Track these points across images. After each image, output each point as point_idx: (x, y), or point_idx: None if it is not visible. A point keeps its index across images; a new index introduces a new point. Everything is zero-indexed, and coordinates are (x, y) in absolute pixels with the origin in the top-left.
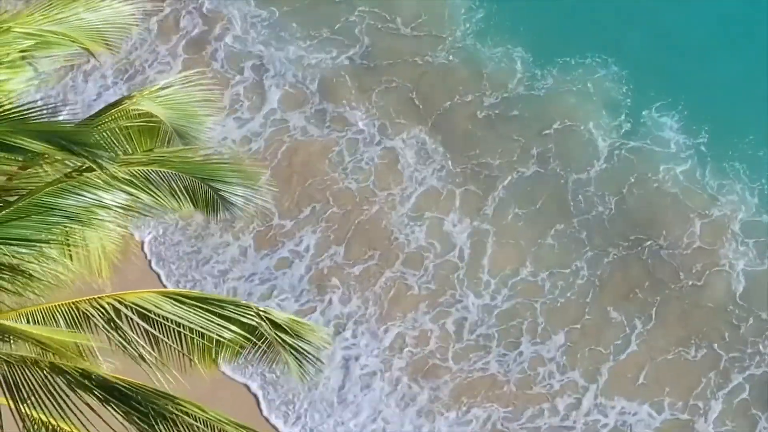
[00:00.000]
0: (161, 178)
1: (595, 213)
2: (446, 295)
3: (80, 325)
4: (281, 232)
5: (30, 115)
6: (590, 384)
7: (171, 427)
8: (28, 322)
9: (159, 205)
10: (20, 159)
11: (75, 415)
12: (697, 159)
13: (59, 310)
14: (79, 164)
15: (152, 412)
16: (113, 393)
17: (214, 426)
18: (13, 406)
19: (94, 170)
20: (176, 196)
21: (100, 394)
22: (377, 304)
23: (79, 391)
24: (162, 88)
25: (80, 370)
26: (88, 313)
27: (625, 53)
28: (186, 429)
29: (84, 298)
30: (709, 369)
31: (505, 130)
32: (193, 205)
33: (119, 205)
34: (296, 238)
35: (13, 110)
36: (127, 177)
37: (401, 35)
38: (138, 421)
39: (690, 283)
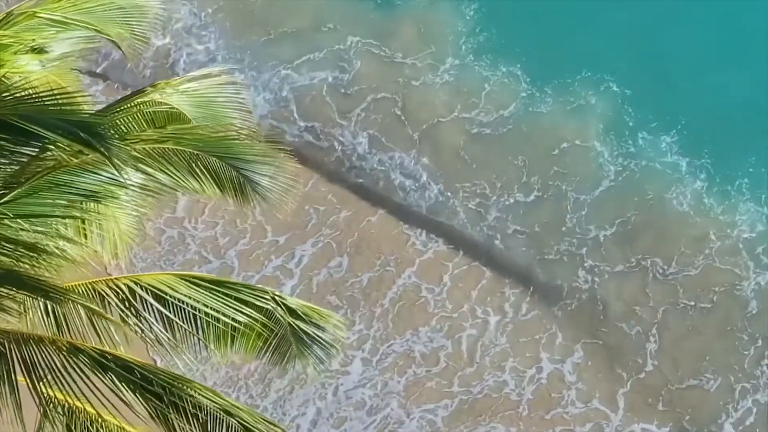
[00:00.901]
0: (179, 158)
1: (596, 234)
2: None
3: (96, 305)
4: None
5: (48, 101)
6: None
7: (186, 410)
8: (45, 302)
9: (178, 186)
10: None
11: (92, 393)
12: (699, 178)
13: (76, 290)
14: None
15: (167, 394)
16: (131, 373)
17: (228, 411)
18: (30, 384)
19: None
20: (197, 177)
21: (117, 373)
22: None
23: (96, 370)
24: (187, 81)
25: (98, 350)
26: (103, 294)
27: (621, 74)
28: (200, 413)
29: (100, 279)
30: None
31: (501, 151)
32: (219, 188)
33: (136, 183)
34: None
35: (31, 95)
36: (142, 156)
37: (394, 61)
38: (153, 403)
39: (699, 304)
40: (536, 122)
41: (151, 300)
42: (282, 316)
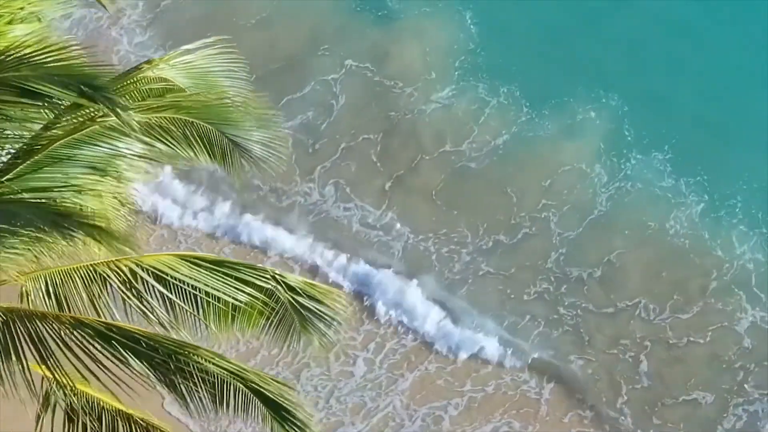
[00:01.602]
0: (176, 126)
1: (586, 270)
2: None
3: (98, 286)
4: None
5: (49, 58)
6: None
7: (193, 375)
8: (46, 284)
9: (175, 155)
10: (40, 105)
11: (97, 366)
12: (693, 205)
13: (77, 272)
14: (95, 114)
15: (174, 361)
16: (137, 343)
17: (236, 374)
18: (36, 359)
19: (110, 118)
20: (192, 146)
21: (122, 344)
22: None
23: (101, 342)
24: (182, 54)
25: (102, 323)
26: (105, 275)
27: (617, 93)
28: (207, 377)
29: (102, 261)
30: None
31: (487, 187)
32: (210, 156)
33: (135, 153)
34: None
35: (31, 54)
36: (142, 124)
37: (386, 89)
38: (161, 370)
39: (692, 339)
40: (530, 149)
41: (152, 281)
42: (282, 294)
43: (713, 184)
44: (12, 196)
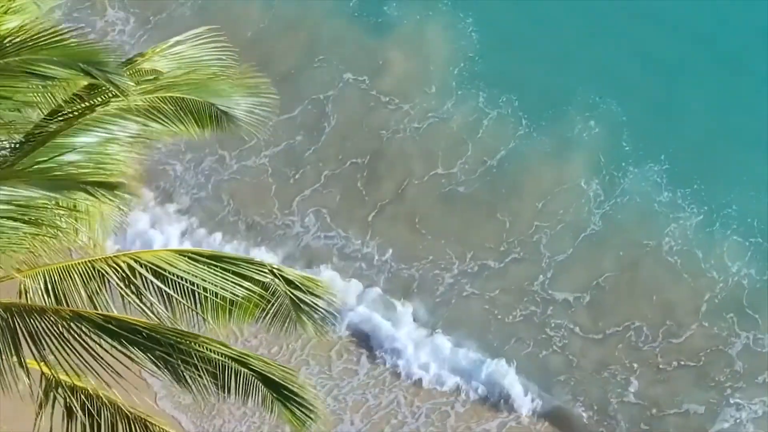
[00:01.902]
0: (167, 105)
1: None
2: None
3: (96, 283)
4: None
5: (48, 42)
6: None
7: (196, 364)
8: (45, 280)
9: (167, 131)
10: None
11: (97, 361)
12: (689, 219)
13: (75, 269)
14: (92, 102)
15: (176, 352)
16: (136, 335)
17: (239, 360)
18: (34, 355)
19: (106, 105)
20: (183, 121)
21: (123, 337)
22: None
23: (101, 334)
24: (173, 45)
25: (102, 316)
26: (103, 272)
27: (613, 107)
28: (208, 363)
29: (100, 257)
30: None
31: (477, 212)
32: (198, 125)
33: (129, 135)
34: None
35: (30, 38)
36: (137, 105)
37: (381, 103)
38: (163, 360)
39: (684, 362)
40: (524, 167)
41: (150, 277)
42: (280, 288)
43: (708, 195)
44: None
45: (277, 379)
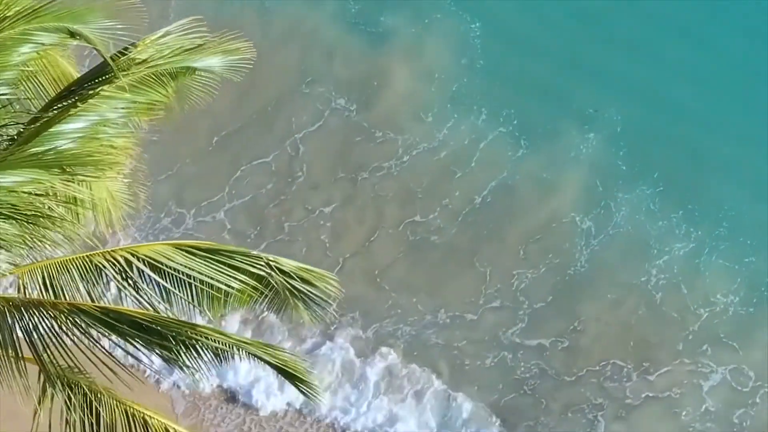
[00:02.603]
0: (151, 77)
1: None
2: None
3: (94, 277)
4: None
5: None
6: None
7: (196, 350)
8: (43, 276)
9: (150, 104)
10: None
11: (95, 353)
12: (673, 251)
13: (73, 263)
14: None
15: (174, 341)
16: (134, 327)
17: (234, 346)
18: (31, 350)
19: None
20: (164, 86)
21: (120, 329)
22: None
23: (99, 327)
24: (163, 36)
25: (99, 308)
26: (101, 266)
27: (608, 129)
28: (208, 352)
29: (97, 251)
30: None
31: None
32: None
33: (119, 115)
34: None
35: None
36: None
37: (368, 135)
38: (161, 351)
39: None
40: (510, 203)
41: (148, 271)
42: (277, 281)
43: (695, 223)
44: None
45: (276, 363)
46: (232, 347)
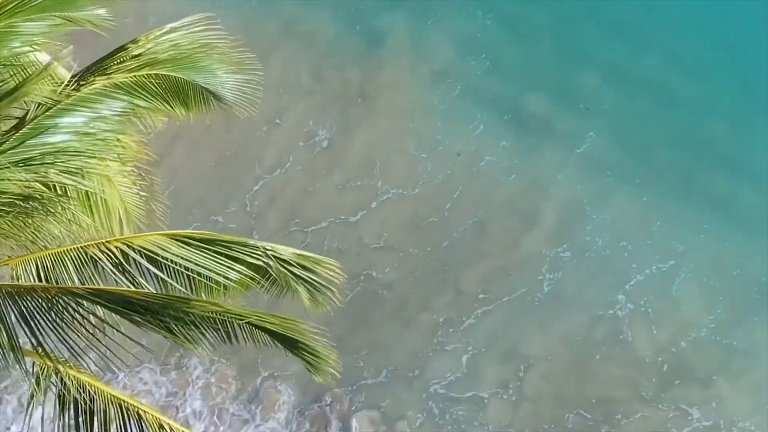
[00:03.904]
0: (153, 83)
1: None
2: None
3: (89, 269)
4: None
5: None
6: None
7: (188, 325)
8: (37, 267)
9: (153, 108)
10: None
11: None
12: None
13: (68, 255)
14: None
15: (168, 317)
16: (127, 307)
17: (232, 319)
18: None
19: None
20: (168, 100)
21: (113, 309)
22: None
23: (90, 306)
24: (168, 33)
25: (90, 290)
26: (96, 257)
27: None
28: (204, 325)
29: (92, 243)
30: None
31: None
32: (185, 107)
33: (115, 113)
34: None
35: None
36: (122, 82)
37: (331, 183)
38: (156, 328)
39: None
40: (481, 239)
41: (144, 262)
42: (275, 267)
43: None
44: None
45: (279, 331)
46: (231, 320)
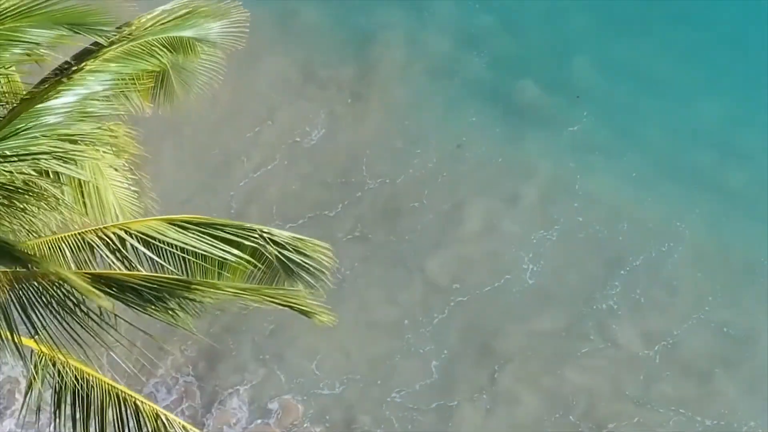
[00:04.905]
0: (140, 49)
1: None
2: None
3: (86, 255)
4: None
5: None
6: None
7: (189, 304)
8: (35, 254)
9: (139, 74)
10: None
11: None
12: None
13: (66, 241)
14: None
15: (167, 299)
16: (126, 290)
17: (236, 292)
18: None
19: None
20: (156, 56)
21: (113, 293)
22: None
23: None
24: (160, 15)
25: (89, 275)
26: (93, 244)
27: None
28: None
29: (89, 229)
30: None
31: None
32: (172, 52)
33: (107, 88)
34: None
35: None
36: (111, 55)
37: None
38: (156, 311)
39: None
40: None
41: (141, 247)
42: (270, 252)
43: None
44: None
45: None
46: (233, 294)
